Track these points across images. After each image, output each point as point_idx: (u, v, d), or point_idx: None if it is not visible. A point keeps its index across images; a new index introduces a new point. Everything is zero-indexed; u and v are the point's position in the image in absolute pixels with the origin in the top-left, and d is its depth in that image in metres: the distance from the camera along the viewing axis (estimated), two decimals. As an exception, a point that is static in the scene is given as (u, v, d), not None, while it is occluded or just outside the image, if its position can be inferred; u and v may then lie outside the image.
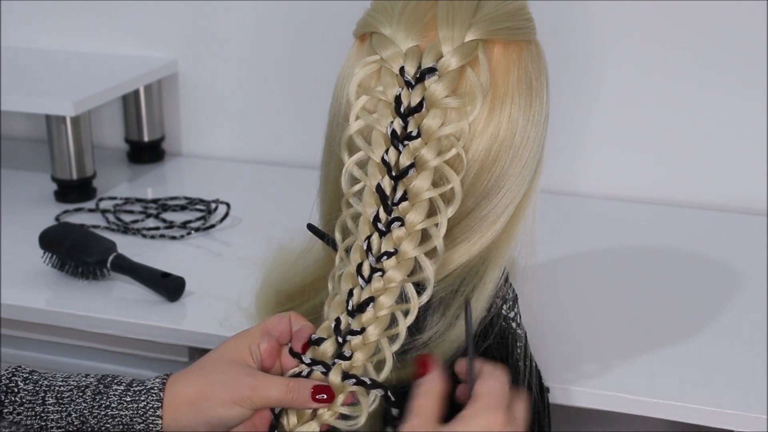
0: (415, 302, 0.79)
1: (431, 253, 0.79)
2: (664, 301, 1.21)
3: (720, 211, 1.48)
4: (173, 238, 1.37)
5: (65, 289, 1.23)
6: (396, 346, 0.79)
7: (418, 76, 0.79)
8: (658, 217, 1.47)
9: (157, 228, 1.39)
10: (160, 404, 0.80)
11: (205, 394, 0.80)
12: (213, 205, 1.45)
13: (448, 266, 0.83)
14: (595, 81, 1.49)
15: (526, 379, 0.90)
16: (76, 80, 1.57)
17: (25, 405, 0.81)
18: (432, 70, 0.79)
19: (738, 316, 1.17)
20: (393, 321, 0.80)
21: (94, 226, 1.39)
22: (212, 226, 1.40)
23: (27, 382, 0.82)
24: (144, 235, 1.38)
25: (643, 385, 1.02)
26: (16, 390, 0.81)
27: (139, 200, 1.49)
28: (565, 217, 1.45)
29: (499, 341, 0.89)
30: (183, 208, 1.47)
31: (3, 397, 0.81)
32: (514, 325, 0.92)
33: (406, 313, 0.79)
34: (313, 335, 0.81)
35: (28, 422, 0.80)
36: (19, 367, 0.84)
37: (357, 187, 0.80)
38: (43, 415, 0.81)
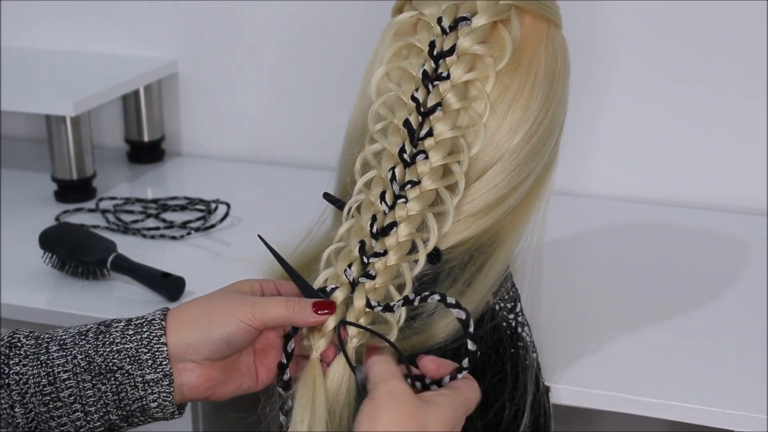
0: (435, 232, 0.82)
1: (452, 188, 0.83)
2: (663, 301, 1.21)
3: (720, 211, 1.48)
4: (173, 238, 1.37)
5: (65, 289, 1.23)
6: (416, 271, 0.81)
7: (452, 24, 0.84)
8: (659, 217, 1.47)
9: (157, 228, 1.39)
10: (163, 332, 0.80)
11: (206, 310, 0.81)
12: (213, 205, 1.45)
13: (456, 236, 0.85)
14: (599, 82, 1.49)
15: (527, 378, 0.90)
16: (76, 80, 1.57)
17: (30, 357, 0.81)
18: (465, 19, 0.84)
19: (738, 316, 1.17)
20: (413, 248, 0.82)
21: (94, 226, 1.39)
22: (212, 226, 1.40)
23: (29, 338, 0.82)
24: (144, 235, 1.38)
25: (643, 385, 1.02)
26: (19, 345, 0.82)
27: (139, 200, 1.49)
28: (566, 217, 1.45)
29: (501, 340, 0.89)
30: (183, 208, 1.47)
31: (8, 350, 0.81)
32: (515, 324, 0.92)
33: (425, 241, 0.82)
34: (328, 287, 0.81)
35: (35, 371, 0.80)
36: (18, 328, 0.84)
37: (381, 125, 0.85)
38: (48, 362, 0.81)
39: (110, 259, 1.22)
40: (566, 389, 1.02)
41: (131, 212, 1.45)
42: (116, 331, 0.81)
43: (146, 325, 0.81)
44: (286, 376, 0.82)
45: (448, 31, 0.84)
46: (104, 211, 1.45)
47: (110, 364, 0.80)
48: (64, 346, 0.81)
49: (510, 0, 0.86)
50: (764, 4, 1.40)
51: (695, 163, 1.50)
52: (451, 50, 0.84)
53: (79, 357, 0.81)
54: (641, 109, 1.50)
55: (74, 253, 1.23)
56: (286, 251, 0.97)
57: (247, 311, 0.80)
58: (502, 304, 0.92)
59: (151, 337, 0.80)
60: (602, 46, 1.48)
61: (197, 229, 1.39)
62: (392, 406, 0.73)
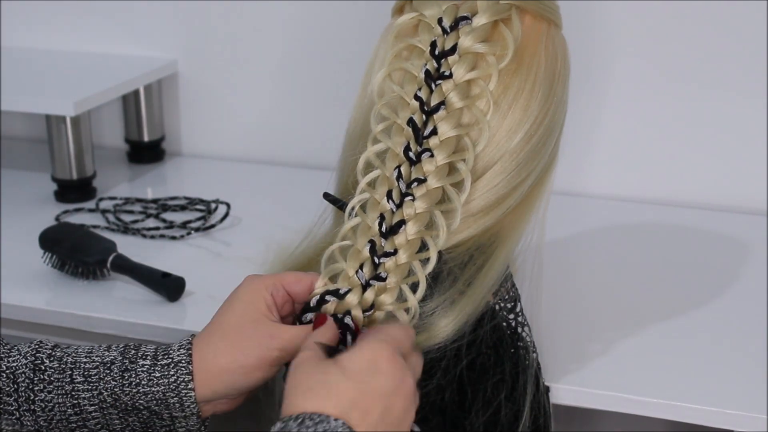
0: (444, 229, 0.82)
1: (458, 186, 0.83)
2: (664, 301, 1.21)
3: (720, 211, 1.48)
4: (173, 238, 1.37)
5: (65, 289, 1.23)
6: (429, 269, 0.82)
7: (453, 24, 0.84)
8: (659, 217, 1.47)
9: (157, 228, 1.39)
10: (190, 377, 0.81)
11: (239, 362, 0.80)
12: (213, 205, 1.45)
13: (456, 236, 0.85)
14: (599, 82, 1.49)
15: (527, 378, 0.90)
16: (76, 80, 1.57)
17: (54, 383, 0.81)
18: (466, 18, 0.84)
19: (738, 316, 1.17)
20: (423, 245, 0.82)
21: (94, 226, 1.39)
22: (212, 226, 1.40)
23: (51, 359, 0.82)
24: (144, 235, 1.38)
25: (643, 385, 1.02)
26: (43, 368, 0.82)
27: (139, 200, 1.49)
28: (566, 217, 1.45)
29: (501, 341, 0.89)
30: (183, 208, 1.47)
31: (32, 374, 0.81)
32: (515, 324, 0.92)
33: (435, 239, 0.82)
34: (341, 289, 0.82)
35: (60, 400, 0.81)
36: (41, 342, 0.84)
37: (384, 125, 0.84)
38: (73, 393, 0.81)
39: (110, 259, 1.22)
40: (566, 389, 1.02)
41: (131, 212, 1.45)
42: (142, 372, 0.81)
43: (173, 367, 0.81)
44: None
45: (449, 31, 0.85)
46: (104, 211, 1.45)
47: (137, 403, 0.81)
48: (89, 378, 0.81)
49: (510, 0, 0.86)
50: (764, 4, 1.40)
51: (695, 163, 1.50)
52: (453, 49, 0.84)
53: (105, 393, 0.81)
54: (641, 109, 1.50)
55: (74, 253, 1.23)
56: (286, 251, 0.98)
57: (276, 357, 0.80)
58: (502, 304, 0.92)
59: (179, 383, 0.81)
60: (602, 46, 1.48)
61: (197, 229, 1.39)
62: (294, 375, 0.72)
